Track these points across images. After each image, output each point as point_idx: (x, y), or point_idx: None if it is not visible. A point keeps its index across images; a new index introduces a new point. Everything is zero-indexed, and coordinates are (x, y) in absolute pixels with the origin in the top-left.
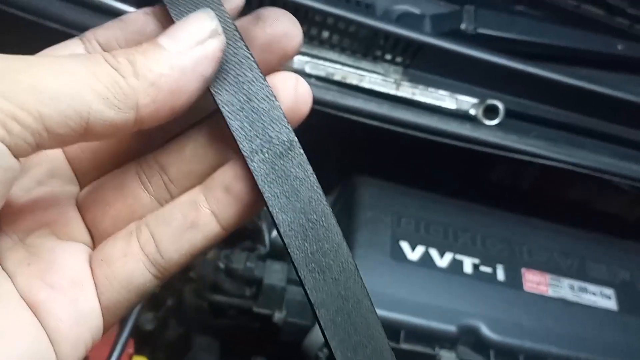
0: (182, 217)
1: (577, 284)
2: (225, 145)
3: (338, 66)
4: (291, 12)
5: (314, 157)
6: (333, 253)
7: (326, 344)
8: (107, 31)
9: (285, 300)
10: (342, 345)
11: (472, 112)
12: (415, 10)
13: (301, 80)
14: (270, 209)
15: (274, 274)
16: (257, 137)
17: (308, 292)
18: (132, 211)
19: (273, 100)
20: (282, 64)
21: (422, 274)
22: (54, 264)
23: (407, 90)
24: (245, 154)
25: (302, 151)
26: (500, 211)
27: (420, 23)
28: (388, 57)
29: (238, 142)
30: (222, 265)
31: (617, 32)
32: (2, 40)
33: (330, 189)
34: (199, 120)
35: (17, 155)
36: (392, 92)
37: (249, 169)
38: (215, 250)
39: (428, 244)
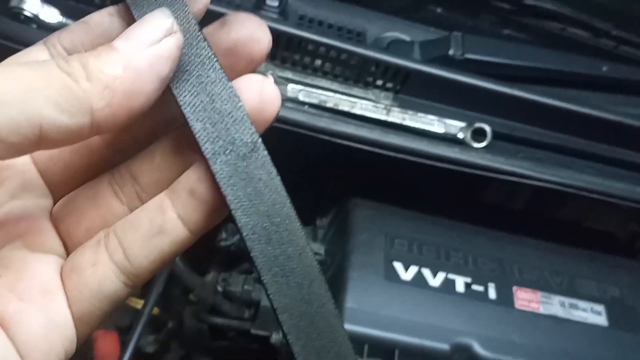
0: (149, 223)
1: (567, 300)
2: (193, 151)
3: (330, 93)
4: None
5: (309, 181)
6: (297, 257)
7: (289, 347)
8: (71, 34)
9: None
10: (305, 349)
11: (460, 135)
12: (405, 37)
13: (268, 82)
14: (233, 212)
15: None
16: (220, 138)
17: (271, 296)
18: (106, 221)
19: (236, 101)
20: (251, 69)
21: (415, 293)
22: (24, 275)
23: (397, 116)
24: (207, 155)
25: (266, 152)
26: (492, 230)
27: (410, 49)
28: (379, 82)
29: (200, 144)
30: (220, 288)
31: (603, 53)
32: None
33: (325, 211)
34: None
35: None
36: (383, 117)
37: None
38: (214, 274)
39: (421, 264)
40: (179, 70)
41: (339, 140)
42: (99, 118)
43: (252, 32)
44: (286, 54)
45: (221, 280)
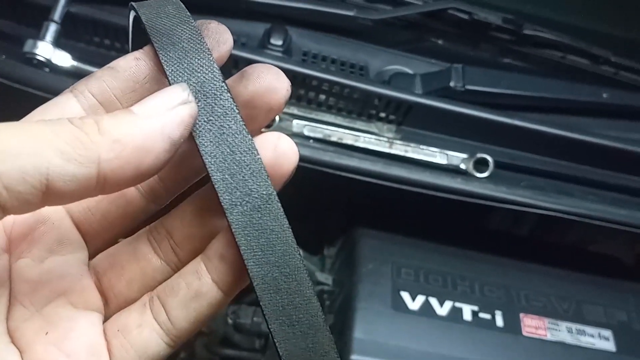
0: (187, 287)
1: (575, 326)
2: (220, 209)
3: (334, 128)
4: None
5: (316, 211)
6: (304, 307)
7: None
8: (99, 81)
9: None
10: None
11: (463, 166)
12: (407, 70)
13: (284, 138)
14: (246, 261)
15: None
16: (238, 189)
17: (277, 344)
18: (145, 274)
19: (254, 154)
20: (271, 117)
21: (423, 323)
22: (71, 333)
23: (400, 148)
24: (225, 206)
25: (279, 205)
26: (498, 257)
27: (412, 82)
28: (382, 115)
29: (219, 194)
30: (230, 320)
31: (603, 79)
32: None
33: (332, 240)
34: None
35: None
36: (386, 150)
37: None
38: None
39: (428, 293)
40: (203, 120)
41: (343, 173)
42: (106, 170)
43: (270, 83)
44: (291, 90)
45: (231, 312)
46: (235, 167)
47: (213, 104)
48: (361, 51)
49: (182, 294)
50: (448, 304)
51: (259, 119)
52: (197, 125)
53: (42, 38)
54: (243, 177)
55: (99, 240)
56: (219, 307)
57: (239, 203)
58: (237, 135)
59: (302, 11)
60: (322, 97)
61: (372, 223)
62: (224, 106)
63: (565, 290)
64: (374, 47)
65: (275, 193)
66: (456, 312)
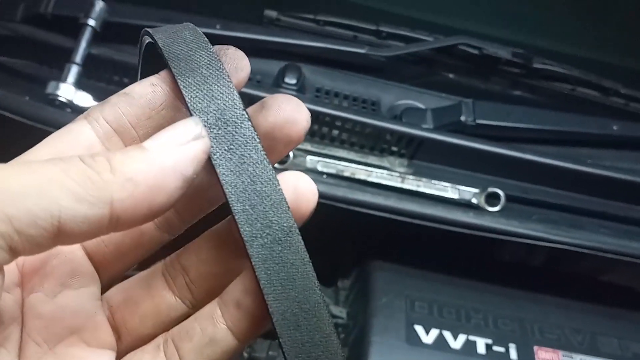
0: (202, 332)
1: (589, 359)
2: (237, 246)
3: (347, 163)
4: None
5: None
6: (323, 344)
7: None
8: (114, 107)
9: None
10: None
11: (474, 200)
12: (418, 104)
13: (304, 179)
14: (266, 297)
15: None
16: (258, 221)
17: None
18: (159, 310)
19: (276, 184)
20: (290, 148)
21: (437, 356)
22: None
23: (412, 183)
24: (245, 238)
25: (300, 238)
26: (511, 290)
27: (423, 116)
28: (394, 149)
29: (239, 226)
30: (246, 354)
31: (614, 110)
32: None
33: (346, 273)
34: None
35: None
36: (398, 185)
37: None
38: None
39: (442, 327)
40: (223, 149)
41: (357, 208)
42: (119, 210)
43: (289, 115)
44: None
45: (246, 345)
46: (256, 198)
47: (234, 132)
48: (373, 87)
49: (197, 339)
50: (462, 338)
51: (278, 151)
52: (218, 155)
53: (64, 80)
54: (264, 208)
55: (112, 271)
56: (232, 354)
57: (259, 235)
58: (258, 165)
59: (315, 49)
60: (335, 132)
61: (385, 256)
62: (244, 135)
63: (579, 322)
64: (385, 82)
65: (296, 226)
66: (470, 346)
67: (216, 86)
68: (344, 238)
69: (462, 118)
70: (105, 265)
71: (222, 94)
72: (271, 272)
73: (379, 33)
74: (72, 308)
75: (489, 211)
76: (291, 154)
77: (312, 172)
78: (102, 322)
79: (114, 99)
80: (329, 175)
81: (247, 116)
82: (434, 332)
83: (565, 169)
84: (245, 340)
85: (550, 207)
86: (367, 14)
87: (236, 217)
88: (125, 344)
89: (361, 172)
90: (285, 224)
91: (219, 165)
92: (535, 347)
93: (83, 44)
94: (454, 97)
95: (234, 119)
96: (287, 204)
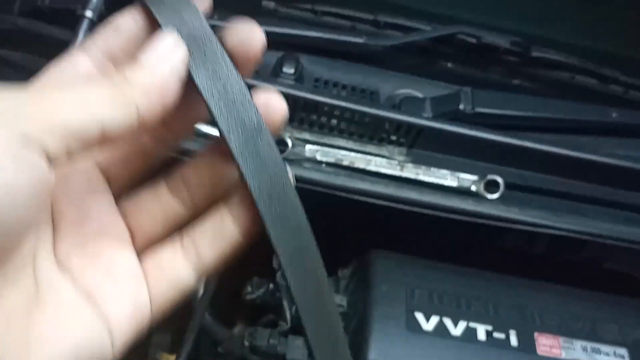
0: (213, 227)
1: (590, 345)
2: (227, 160)
3: (346, 152)
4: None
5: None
6: (294, 218)
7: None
8: (106, 40)
9: None
10: None
11: (473, 188)
12: (417, 93)
13: (274, 93)
14: (242, 171)
15: (296, 349)
16: (232, 117)
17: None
18: (166, 214)
19: (243, 87)
20: (251, 68)
21: (437, 343)
22: (114, 265)
23: (411, 171)
24: (223, 132)
25: (269, 133)
26: (511, 277)
27: (422, 105)
28: (393, 138)
29: (216, 119)
30: (247, 343)
31: (613, 98)
32: None
33: (347, 262)
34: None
35: (53, 166)
36: (397, 173)
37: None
38: (240, 327)
39: (442, 314)
40: (198, 61)
41: (356, 197)
42: (142, 111)
43: (246, 36)
44: (303, 116)
45: (247, 334)
46: (228, 99)
47: (204, 48)
48: (372, 76)
49: (209, 234)
50: (462, 324)
51: (241, 68)
52: (194, 66)
53: None
54: (236, 107)
55: (119, 181)
56: (238, 248)
57: (233, 130)
58: (228, 73)
59: (313, 40)
60: (334, 122)
61: (385, 244)
62: (213, 49)
63: (579, 308)
64: (384, 71)
65: (263, 121)
66: (470, 332)
67: (186, 13)
68: (343, 227)
69: (461, 106)
70: (115, 176)
71: (191, 18)
72: (248, 161)
73: (377, 23)
74: (95, 211)
75: (488, 199)
76: (290, 142)
77: (311, 161)
78: (121, 224)
79: (105, 32)
80: (328, 164)
81: (214, 34)
82: (434, 319)
83: (564, 156)
84: (248, 235)
85: (550, 194)
86: (365, 3)
87: (213, 112)
88: (139, 244)
89: (360, 161)
90: (255, 121)
91: (197, 76)
92: (536, 334)
93: (81, 35)
94: (452, 86)
95: (203, 37)
96: (254, 103)
